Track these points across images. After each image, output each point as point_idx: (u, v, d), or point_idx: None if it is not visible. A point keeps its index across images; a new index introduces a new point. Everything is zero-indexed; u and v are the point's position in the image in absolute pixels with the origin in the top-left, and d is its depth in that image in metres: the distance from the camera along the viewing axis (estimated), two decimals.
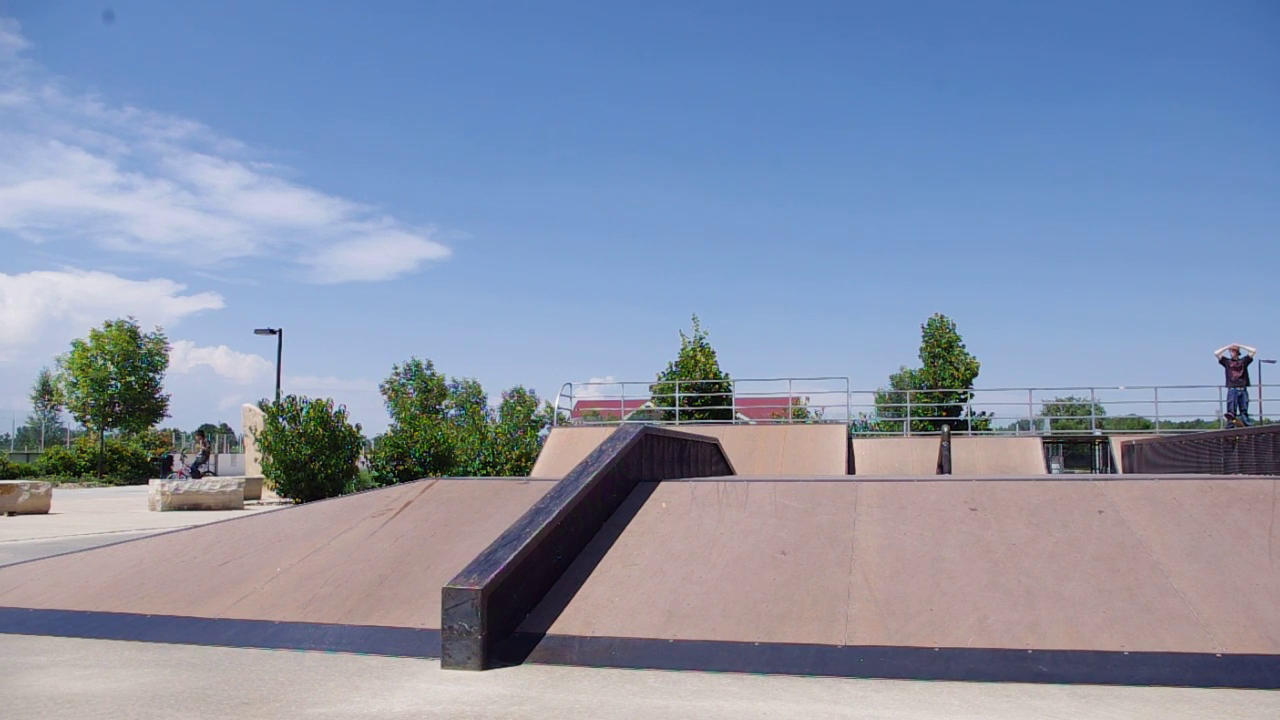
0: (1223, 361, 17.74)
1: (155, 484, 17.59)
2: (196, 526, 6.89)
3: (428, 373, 50.87)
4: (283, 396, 21.15)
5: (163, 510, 16.55)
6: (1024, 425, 31.73)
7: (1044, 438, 23.60)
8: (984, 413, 30.87)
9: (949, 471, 19.47)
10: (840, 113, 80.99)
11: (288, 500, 19.73)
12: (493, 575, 4.26)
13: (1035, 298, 76.88)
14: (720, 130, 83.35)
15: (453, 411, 49.94)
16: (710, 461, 10.25)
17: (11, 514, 15.52)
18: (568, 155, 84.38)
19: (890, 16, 78.36)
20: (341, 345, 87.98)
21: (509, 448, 25.27)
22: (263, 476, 20.66)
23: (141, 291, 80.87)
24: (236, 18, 79.90)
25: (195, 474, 21.63)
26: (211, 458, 29.68)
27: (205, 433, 23.69)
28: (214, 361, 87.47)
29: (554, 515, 4.98)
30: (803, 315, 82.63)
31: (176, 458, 22.34)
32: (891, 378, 43.84)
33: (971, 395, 30.62)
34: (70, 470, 32.64)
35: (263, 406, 21.19)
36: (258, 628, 4.80)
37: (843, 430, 20.64)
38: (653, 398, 31.58)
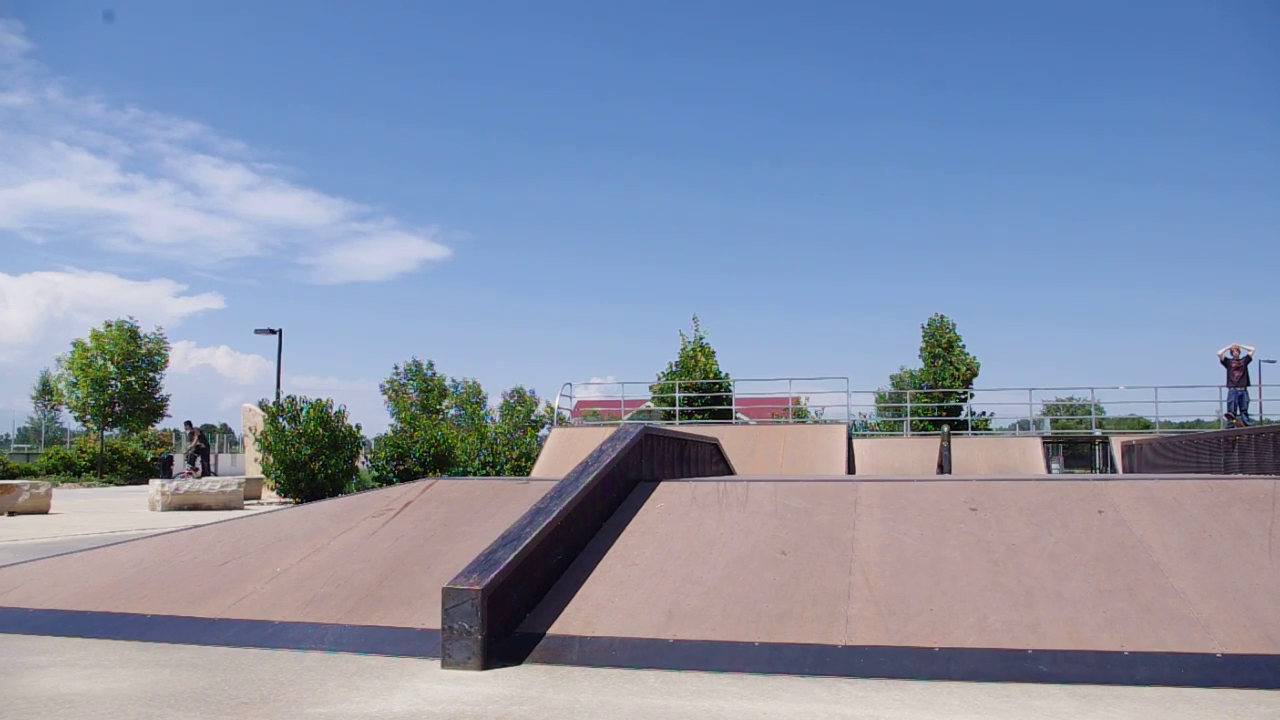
0: (1224, 362, 17.75)
1: (155, 484, 17.59)
2: (196, 526, 6.89)
3: (428, 373, 50.82)
4: (283, 396, 21.17)
5: (163, 510, 16.55)
6: (1024, 425, 31.72)
7: (1044, 438, 23.60)
8: (984, 413, 30.86)
9: (949, 471, 19.46)
10: (840, 111, 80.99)
11: (288, 500, 19.72)
12: (493, 575, 4.26)
13: (1035, 297, 76.85)
14: (720, 128, 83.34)
15: (453, 411, 49.90)
16: (710, 461, 10.25)
17: (11, 514, 15.52)
18: (569, 154, 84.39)
19: (890, 14, 78.36)
20: (342, 345, 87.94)
21: (509, 448, 25.26)
22: (263, 476, 20.66)
23: (143, 292, 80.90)
24: (238, 18, 79.90)
25: (193, 464, 21.38)
26: (213, 457, 29.45)
27: (190, 423, 23.31)
28: (215, 361, 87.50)
29: (554, 515, 4.98)
30: (803, 315, 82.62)
31: (178, 458, 22.22)
32: (891, 378, 43.83)
33: (971, 395, 30.60)
34: (70, 470, 32.63)
35: (263, 406, 21.19)
36: (258, 628, 4.80)
37: (843, 430, 20.63)
38: (653, 398, 31.57)
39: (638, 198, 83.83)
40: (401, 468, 23.48)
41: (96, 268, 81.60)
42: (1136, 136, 72.89)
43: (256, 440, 20.55)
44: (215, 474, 24.76)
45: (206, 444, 23.14)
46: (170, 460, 26.80)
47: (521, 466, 24.20)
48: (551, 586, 4.90)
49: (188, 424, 23.43)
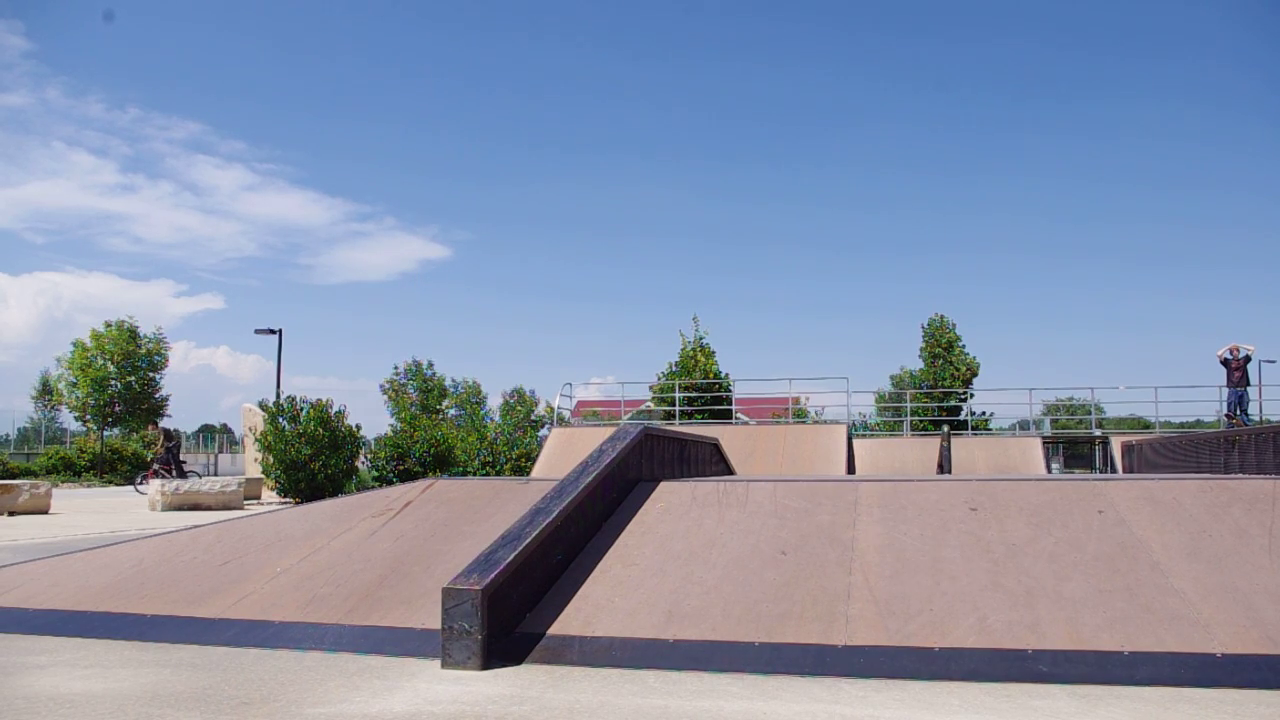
0: (1224, 363, 17.76)
1: (155, 484, 17.58)
2: (196, 526, 6.89)
3: (428, 373, 50.83)
4: (283, 396, 21.14)
5: (163, 510, 16.54)
6: (1024, 425, 31.73)
7: (1044, 438, 23.61)
8: (984, 413, 30.86)
9: (949, 471, 19.46)
10: (840, 112, 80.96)
11: (288, 500, 19.71)
12: (493, 575, 4.26)
13: (1035, 298, 76.85)
14: (720, 130, 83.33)
15: (453, 411, 49.91)
16: (710, 461, 10.25)
17: (11, 514, 15.51)
18: (569, 156, 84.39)
19: (890, 16, 78.33)
20: (342, 345, 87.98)
21: (509, 448, 25.25)
22: (263, 476, 20.64)
23: (143, 292, 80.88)
24: (238, 18, 79.89)
25: (169, 468, 21.34)
26: (209, 460, 29.31)
27: (155, 423, 23.34)
28: (215, 361, 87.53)
29: (554, 515, 4.98)
30: (803, 315, 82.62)
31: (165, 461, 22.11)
32: (891, 378, 43.83)
33: (971, 395, 30.60)
34: (70, 470, 32.61)
35: (263, 406, 21.17)
36: (258, 628, 4.80)
37: (843, 430, 20.63)
38: (653, 398, 31.57)
39: (638, 199, 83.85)
40: (401, 468, 23.47)
41: (96, 268, 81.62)
42: (1136, 139, 72.89)
43: (256, 440, 20.54)
44: (206, 475, 24.72)
45: (177, 443, 23.38)
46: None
47: (521, 466, 24.19)
48: (551, 586, 4.90)
49: (152, 424, 23.49)
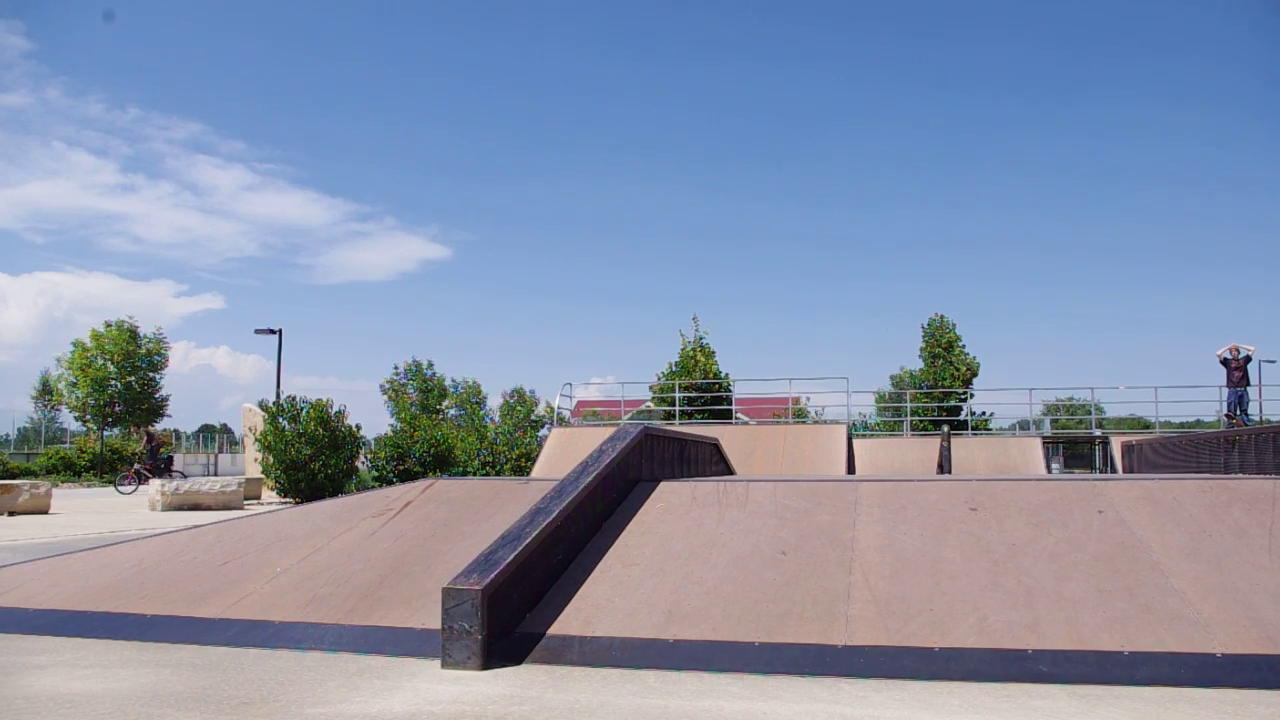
0: (1224, 362, 17.76)
1: (155, 484, 17.58)
2: (196, 526, 6.89)
3: (428, 373, 50.84)
4: (283, 396, 21.14)
5: (163, 510, 16.54)
6: (1024, 425, 31.73)
7: (1044, 438, 23.60)
8: (984, 413, 30.84)
9: (949, 471, 19.45)
10: (840, 112, 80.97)
11: (288, 500, 19.71)
12: (493, 575, 4.26)
13: (1035, 298, 76.85)
14: (720, 130, 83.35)
15: (453, 411, 49.93)
16: (710, 461, 10.25)
17: (11, 514, 15.51)
18: (569, 156, 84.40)
19: (890, 16, 78.35)
20: (342, 345, 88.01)
21: (509, 448, 25.25)
22: (263, 476, 20.64)
23: (143, 292, 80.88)
24: (238, 18, 79.89)
25: (150, 468, 21.49)
26: (209, 460, 29.52)
27: (141, 425, 23.94)
28: (215, 362, 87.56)
29: (554, 515, 4.98)
30: (803, 315, 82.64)
31: (178, 458, 22.36)
32: (891, 378, 43.87)
33: (971, 395, 30.59)
34: (70, 470, 32.63)
35: (263, 406, 21.17)
36: (258, 628, 4.80)
37: (843, 430, 20.63)
38: (653, 398, 31.57)
39: (638, 199, 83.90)
40: (401, 468, 23.46)
41: (96, 268, 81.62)
42: (1136, 139, 72.90)
43: (256, 440, 20.54)
44: (203, 475, 24.89)
45: (158, 443, 23.67)
46: (170, 460, 26.82)
47: (521, 466, 24.18)
48: (551, 586, 4.90)
49: (139, 426, 23.77)
